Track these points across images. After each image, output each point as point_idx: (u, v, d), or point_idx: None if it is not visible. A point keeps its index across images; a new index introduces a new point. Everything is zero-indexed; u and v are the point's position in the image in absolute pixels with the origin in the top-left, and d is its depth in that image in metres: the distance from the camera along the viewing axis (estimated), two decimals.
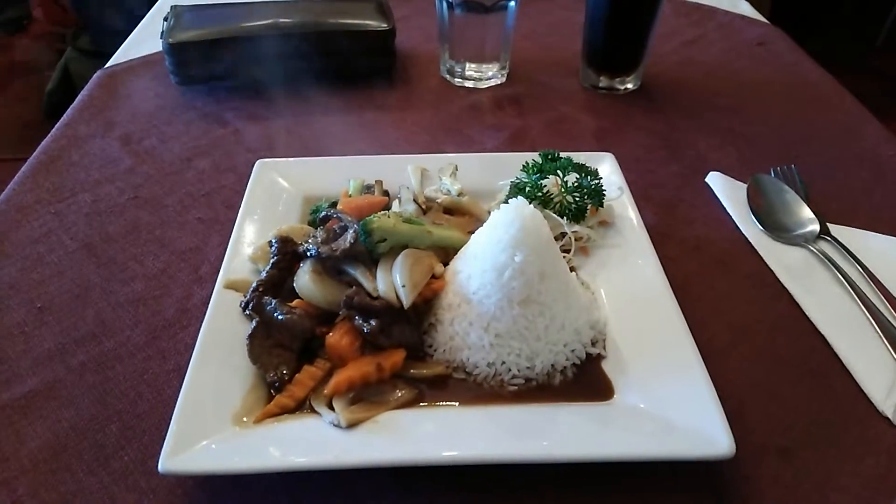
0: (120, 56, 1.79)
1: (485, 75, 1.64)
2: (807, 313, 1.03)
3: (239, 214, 1.10)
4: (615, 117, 1.53)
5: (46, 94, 4.05)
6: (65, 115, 1.53)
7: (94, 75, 1.68)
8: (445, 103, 1.58)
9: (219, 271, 1.00)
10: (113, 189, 1.30)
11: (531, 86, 1.65)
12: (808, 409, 0.91)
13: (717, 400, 0.81)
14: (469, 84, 1.64)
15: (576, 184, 1.09)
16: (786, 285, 1.08)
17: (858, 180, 1.33)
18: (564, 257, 1.00)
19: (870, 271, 1.07)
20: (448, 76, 1.67)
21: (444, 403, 0.87)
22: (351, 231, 0.96)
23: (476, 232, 0.96)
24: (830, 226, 1.17)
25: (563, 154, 1.14)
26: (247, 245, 1.06)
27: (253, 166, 1.21)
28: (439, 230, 1.00)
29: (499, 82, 1.66)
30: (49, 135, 1.46)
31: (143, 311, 1.04)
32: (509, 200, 0.94)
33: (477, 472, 0.81)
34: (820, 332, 1.00)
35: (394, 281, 0.92)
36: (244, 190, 1.16)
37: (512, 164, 1.18)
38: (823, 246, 1.14)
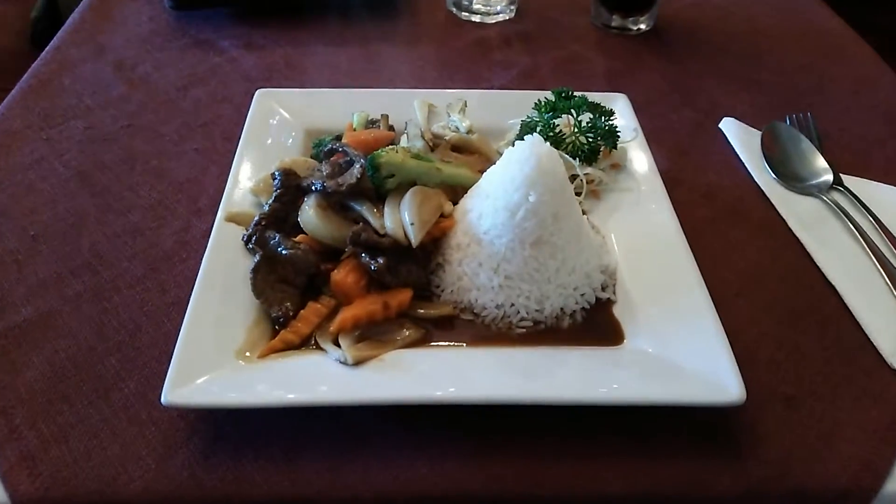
0: None
1: (493, 10, 1.58)
2: (818, 263, 1.02)
3: (239, 145, 1.06)
4: (627, 58, 1.48)
5: (31, 21, 3.90)
6: (55, 38, 1.47)
7: None
8: (452, 38, 1.53)
9: (218, 204, 0.97)
10: (106, 116, 1.25)
11: (541, 23, 1.59)
12: (815, 358, 0.90)
13: (729, 347, 0.80)
14: (476, 18, 1.58)
15: (589, 124, 1.06)
16: (797, 235, 1.06)
17: (872, 132, 1.30)
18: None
19: (882, 223, 1.06)
20: (455, 9, 1.60)
21: (451, 344, 0.86)
22: (357, 166, 0.92)
23: (488, 170, 0.93)
24: (843, 176, 1.15)
25: (576, 93, 1.10)
26: (247, 177, 1.02)
27: (250, 97, 1.17)
28: (449, 167, 0.97)
29: (507, 18, 1.60)
30: (39, 58, 1.40)
31: (140, 243, 1.01)
32: (523, 138, 0.90)
33: (483, 413, 0.80)
34: (830, 283, 0.99)
35: (402, 218, 0.89)
36: (242, 121, 1.12)
37: (522, 103, 1.14)
38: (836, 196, 1.12)
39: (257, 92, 1.16)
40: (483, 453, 0.78)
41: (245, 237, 0.91)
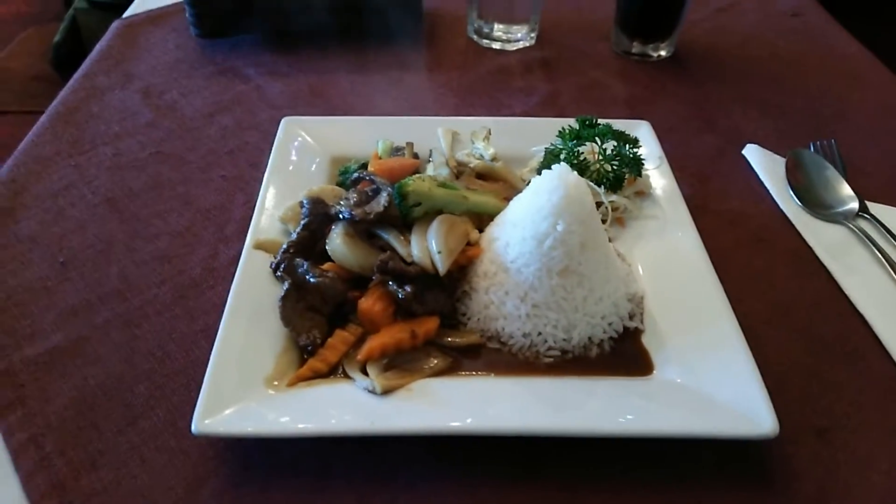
0: (137, 6, 1.74)
1: (514, 37, 1.59)
2: (846, 292, 1.01)
3: (266, 173, 1.07)
4: (648, 84, 1.49)
5: (53, 46, 3.96)
6: (82, 66, 1.49)
7: (112, 25, 1.63)
8: (473, 65, 1.54)
9: (245, 231, 0.98)
10: (134, 143, 1.27)
11: (561, 50, 1.60)
12: (847, 389, 0.89)
13: (760, 378, 0.79)
14: (497, 46, 1.60)
15: (614, 152, 1.06)
16: (825, 263, 1.06)
17: None
18: None
19: None
20: (476, 37, 1.62)
21: (478, 373, 0.86)
22: (385, 194, 0.93)
23: (514, 198, 0.94)
24: (869, 204, 1.14)
25: (600, 121, 1.10)
26: (273, 204, 1.03)
27: (276, 124, 1.18)
28: (475, 196, 0.98)
29: (527, 45, 1.61)
30: (67, 85, 1.43)
31: (168, 270, 1.02)
32: (549, 167, 0.91)
33: (511, 443, 0.80)
34: (859, 312, 0.98)
35: (429, 246, 0.89)
36: (268, 148, 1.13)
37: (545, 130, 1.15)
38: (862, 224, 1.11)
39: (283, 119, 1.18)
40: (511, 484, 0.78)
41: (273, 265, 0.92)
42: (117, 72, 1.47)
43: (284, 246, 0.94)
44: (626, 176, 1.06)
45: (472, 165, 1.09)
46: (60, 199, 1.14)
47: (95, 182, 1.18)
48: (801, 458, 0.81)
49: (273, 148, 1.13)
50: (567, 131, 1.09)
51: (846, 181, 1.17)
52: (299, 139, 1.16)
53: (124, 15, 1.69)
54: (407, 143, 1.14)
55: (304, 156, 1.14)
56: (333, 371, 0.85)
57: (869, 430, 0.84)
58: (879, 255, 1.04)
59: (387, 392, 0.80)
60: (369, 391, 0.81)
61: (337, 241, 0.92)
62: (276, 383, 0.81)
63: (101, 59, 1.52)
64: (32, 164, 1.21)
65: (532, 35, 1.61)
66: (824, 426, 0.84)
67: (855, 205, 1.13)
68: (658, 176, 1.11)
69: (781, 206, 1.16)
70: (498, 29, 1.58)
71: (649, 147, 1.13)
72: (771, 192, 1.19)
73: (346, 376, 0.84)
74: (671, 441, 0.79)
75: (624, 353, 0.88)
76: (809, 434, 0.83)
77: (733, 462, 0.80)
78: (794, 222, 1.13)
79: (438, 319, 0.89)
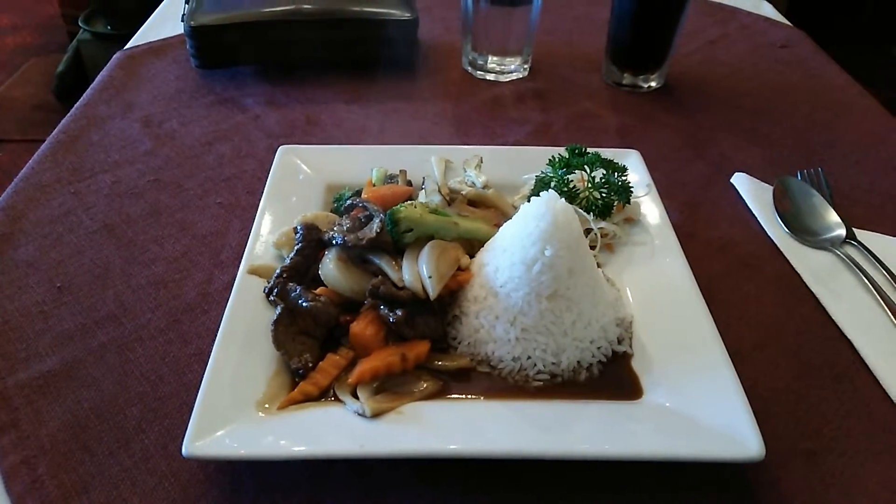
0: (139, 38, 1.78)
1: (507, 69, 1.63)
2: (833, 318, 1.02)
3: (262, 199, 1.09)
4: (638, 115, 1.52)
5: (56, 76, 4.03)
6: (84, 96, 1.52)
7: (114, 56, 1.67)
8: (467, 96, 1.57)
9: (240, 256, 0.99)
10: (133, 171, 1.29)
11: (553, 81, 1.64)
12: (834, 413, 0.90)
13: (747, 402, 0.80)
14: (490, 77, 1.63)
15: (603, 179, 1.08)
16: (812, 289, 1.07)
17: (884, 186, 1.31)
18: None
19: None
20: (470, 68, 1.65)
21: (468, 396, 0.86)
22: (377, 220, 0.95)
23: (504, 224, 0.95)
24: (856, 231, 1.16)
25: (589, 150, 1.13)
26: (269, 230, 1.05)
27: (273, 153, 1.20)
28: (466, 222, 0.99)
29: (520, 76, 1.64)
30: (69, 114, 1.45)
31: (163, 294, 1.03)
32: (539, 194, 0.92)
33: (500, 466, 0.80)
34: (846, 337, 0.99)
35: (420, 271, 0.91)
36: (265, 176, 1.15)
37: (536, 158, 1.17)
38: (849, 250, 1.12)
39: (280, 148, 1.20)
40: None
41: (267, 289, 0.93)
42: (118, 101, 1.50)
43: (278, 271, 0.95)
44: (615, 203, 1.08)
45: (463, 192, 1.11)
46: (59, 225, 1.16)
47: (94, 209, 1.20)
48: (788, 482, 0.81)
49: (269, 175, 1.14)
50: (557, 159, 1.12)
51: (833, 208, 1.19)
52: (295, 167, 1.18)
53: (126, 46, 1.73)
54: (401, 171, 1.16)
55: (300, 183, 1.16)
56: (325, 394, 0.85)
57: (857, 453, 0.85)
58: (866, 281, 1.06)
59: (377, 415, 0.81)
60: (359, 414, 0.81)
61: (329, 266, 0.93)
62: (267, 406, 0.82)
63: (102, 88, 1.55)
64: (32, 191, 1.23)
65: (525, 67, 1.65)
66: (812, 449, 0.85)
67: (842, 231, 1.15)
68: (647, 203, 1.12)
69: (769, 233, 1.18)
70: (492, 61, 1.62)
71: (639, 175, 1.16)
72: (759, 219, 1.21)
73: (337, 399, 0.84)
74: (659, 464, 0.79)
75: (613, 377, 0.89)
76: (797, 457, 0.84)
77: (722, 486, 0.80)
78: (781, 249, 1.14)
79: (429, 343, 0.90)
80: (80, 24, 3.90)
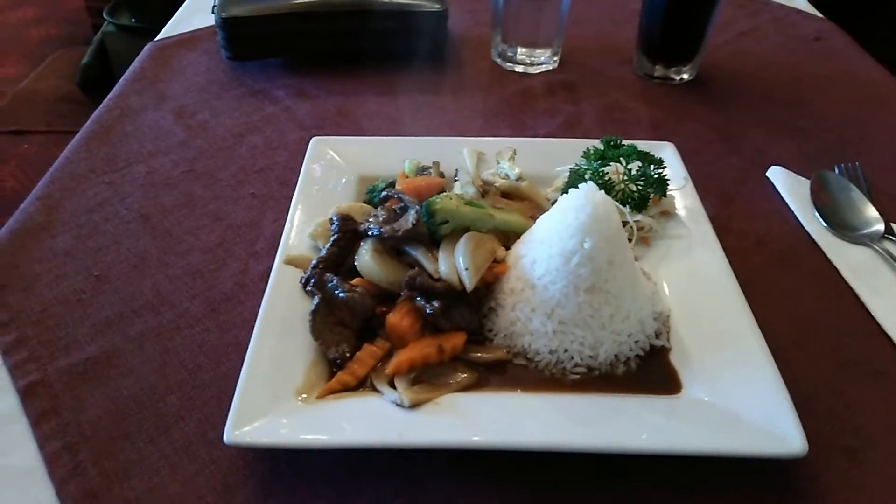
0: (169, 29, 1.79)
1: (537, 60, 1.62)
2: (872, 313, 1.01)
3: (296, 190, 1.10)
4: (670, 107, 1.50)
5: (81, 68, 4.06)
6: (116, 87, 1.53)
7: (145, 48, 1.68)
8: (497, 87, 1.56)
9: (275, 247, 1.00)
10: (166, 161, 1.30)
11: (583, 73, 1.62)
12: (875, 410, 0.88)
13: (789, 397, 0.79)
14: (520, 69, 1.62)
15: (639, 172, 1.07)
16: (851, 284, 1.05)
17: None
18: None
19: None
20: (499, 60, 1.65)
21: (504, 388, 0.86)
22: (413, 211, 0.95)
23: (541, 216, 0.95)
24: (895, 226, 1.14)
25: (624, 142, 1.12)
26: (303, 221, 1.05)
27: (304, 144, 1.20)
28: (502, 214, 0.99)
29: (550, 68, 1.63)
30: (101, 105, 1.47)
31: (200, 284, 1.04)
32: (575, 186, 0.92)
33: (536, 459, 0.80)
34: (886, 333, 0.98)
35: (456, 263, 0.91)
36: (297, 167, 1.16)
37: (569, 150, 1.16)
38: (888, 246, 1.11)
39: (313, 139, 1.20)
40: (536, 499, 0.78)
41: (303, 279, 0.94)
42: (150, 92, 1.52)
43: (314, 261, 0.96)
44: (651, 196, 1.07)
45: (497, 185, 1.11)
46: (95, 214, 1.17)
47: (129, 199, 1.21)
48: (830, 479, 0.80)
49: (302, 166, 1.15)
50: (592, 151, 1.11)
51: (871, 203, 1.17)
52: (328, 158, 1.18)
53: (157, 38, 1.74)
54: (433, 163, 1.16)
55: (333, 174, 1.16)
56: (362, 384, 0.86)
57: None
58: None
59: (414, 406, 0.81)
60: (397, 404, 0.81)
61: (366, 258, 0.93)
62: (305, 395, 0.83)
63: (134, 80, 1.56)
64: (67, 181, 1.25)
65: (555, 59, 1.64)
66: (854, 447, 0.84)
67: (881, 227, 1.13)
68: (682, 197, 1.11)
69: (806, 228, 1.16)
70: (521, 53, 1.61)
71: (673, 168, 1.14)
72: (796, 213, 1.19)
73: (375, 390, 0.85)
74: (698, 459, 0.79)
75: (650, 371, 0.88)
76: (839, 454, 0.83)
77: (763, 483, 0.79)
78: (819, 244, 1.13)
79: (465, 335, 0.90)
80: (104, 16, 3.93)
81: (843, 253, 1.11)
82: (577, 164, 1.12)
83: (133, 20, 3.93)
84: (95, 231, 1.14)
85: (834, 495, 0.79)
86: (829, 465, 0.81)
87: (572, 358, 0.88)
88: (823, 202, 1.18)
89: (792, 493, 0.79)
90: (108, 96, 1.50)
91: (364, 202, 1.11)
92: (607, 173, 1.08)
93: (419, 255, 0.93)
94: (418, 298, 0.89)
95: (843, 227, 1.14)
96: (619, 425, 0.80)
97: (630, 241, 1.02)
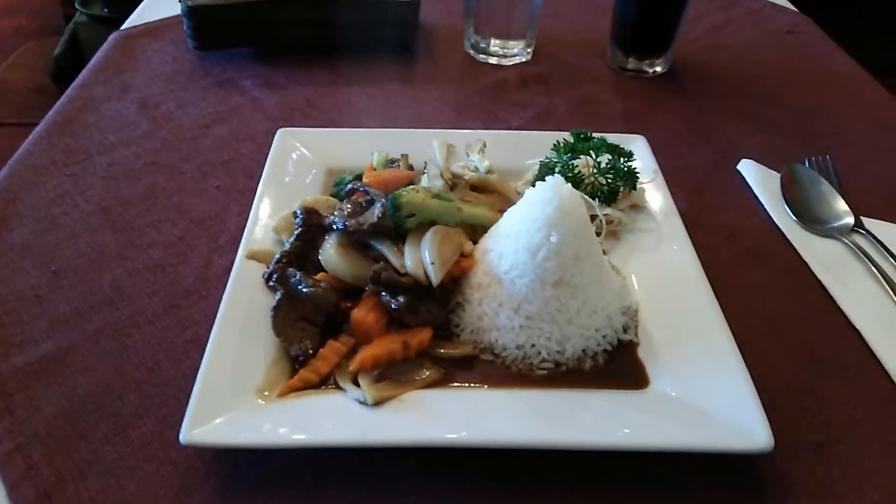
0: (135, 18, 1.75)
1: (510, 52, 1.60)
2: (841, 307, 1.01)
3: (260, 183, 1.07)
4: (643, 100, 1.49)
5: (53, 59, 3.97)
6: (79, 77, 1.49)
7: (110, 37, 1.64)
8: (469, 79, 1.55)
9: (238, 241, 0.97)
10: (129, 153, 1.27)
11: (557, 65, 1.61)
12: (843, 404, 0.88)
13: (755, 392, 0.79)
14: (493, 61, 1.61)
15: (608, 165, 1.06)
16: (820, 278, 1.05)
17: (892, 174, 1.30)
18: None
19: None
20: (472, 52, 1.63)
21: (471, 385, 0.85)
22: (378, 205, 0.93)
23: (508, 210, 0.93)
24: (864, 219, 1.14)
25: (595, 135, 1.11)
26: (268, 215, 1.03)
27: (272, 136, 1.18)
28: (469, 207, 0.98)
29: (523, 60, 1.62)
30: (64, 95, 1.43)
31: (160, 279, 1.01)
32: (544, 179, 0.90)
33: (503, 455, 0.79)
34: (854, 327, 0.98)
35: (422, 258, 0.89)
36: (263, 159, 1.13)
37: (540, 143, 1.15)
38: (858, 239, 1.11)
39: (279, 131, 1.18)
40: (504, 496, 0.77)
41: (266, 275, 0.91)
42: (114, 83, 1.48)
43: (277, 256, 0.94)
44: (621, 189, 1.06)
45: (466, 177, 1.09)
46: (54, 207, 1.14)
47: (89, 191, 1.17)
48: (797, 474, 0.80)
49: (268, 159, 1.12)
50: (562, 144, 1.10)
51: (841, 196, 1.17)
52: (295, 150, 1.16)
53: (123, 27, 1.70)
54: (402, 155, 1.14)
55: (300, 167, 1.14)
56: (325, 382, 0.84)
57: (866, 445, 0.83)
58: (874, 270, 1.04)
59: (378, 403, 0.80)
60: (360, 402, 0.80)
61: (330, 252, 0.91)
62: (266, 394, 0.81)
63: (98, 70, 1.52)
64: (26, 174, 1.21)
65: (528, 50, 1.62)
66: (821, 441, 0.84)
67: (850, 220, 1.13)
68: (653, 190, 1.11)
69: (776, 221, 1.16)
70: (494, 44, 1.59)
71: (644, 161, 1.14)
72: (766, 206, 1.19)
73: (338, 387, 0.83)
74: (665, 455, 0.78)
75: (618, 366, 0.87)
76: (806, 449, 0.83)
77: (729, 478, 0.79)
78: (788, 237, 1.13)
79: (431, 330, 0.88)
80: (76, 6, 3.85)
81: (813, 246, 1.11)
82: (547, 157, 1.11)
83: (105, 10, 3.85)
84: (54, 225, 1.11)
85: (800, 490, 0.78)
86: (796, 460, 0.81)
87: (539, 353, 0.87)
88: (794, 195, 1.18)
89: (759, 488, 0.78)
90: (71, 86, 1.46)
91: (331, 195, 1.09)
92: (577, 166, 1.07)
93: (385, 249, 0.92)
94: (384, 293, 0.87)
95: (812, 220, 1.14)
96: (585, 421, 0.79)
97: (599, 234, 1.02)
